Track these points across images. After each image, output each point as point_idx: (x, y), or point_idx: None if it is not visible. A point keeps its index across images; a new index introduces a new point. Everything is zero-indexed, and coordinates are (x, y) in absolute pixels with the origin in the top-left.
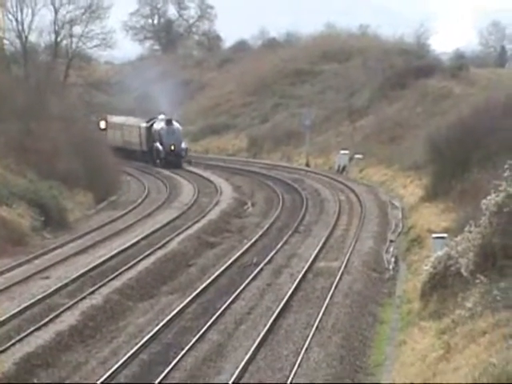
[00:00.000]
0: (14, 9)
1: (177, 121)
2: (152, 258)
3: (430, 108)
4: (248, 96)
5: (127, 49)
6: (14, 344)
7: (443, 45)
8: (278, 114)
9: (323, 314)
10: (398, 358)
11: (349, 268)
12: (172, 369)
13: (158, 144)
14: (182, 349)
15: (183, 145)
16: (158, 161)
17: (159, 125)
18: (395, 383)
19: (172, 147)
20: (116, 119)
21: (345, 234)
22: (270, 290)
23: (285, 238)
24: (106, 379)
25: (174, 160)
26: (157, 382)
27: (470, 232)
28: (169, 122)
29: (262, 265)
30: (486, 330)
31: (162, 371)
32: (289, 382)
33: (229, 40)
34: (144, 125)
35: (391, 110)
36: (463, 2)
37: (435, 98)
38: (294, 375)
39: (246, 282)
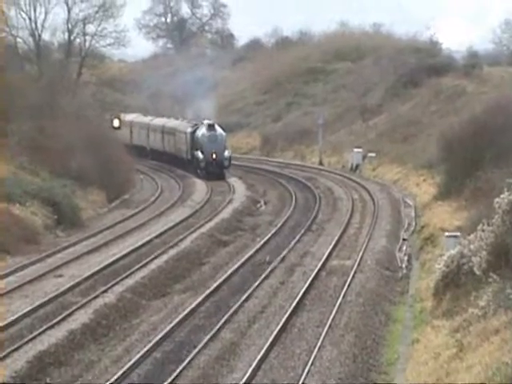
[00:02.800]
0: (28, 7)
1: (220, 126)
2: (165, 257)
3: (443, 106)
4: (261, 94)
5: (140, 47)
6: (26, 342)
7: (455, 42)
8: (291, 112)
9: (336, 312)
10: (411, 357)
11: (362, 266)
12: (185, 367)
13: (198, 152)
14: (195, 347)
15: (226, 153)
16: (198, 171)
17: (201, 131)
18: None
19: (213, 155)
20: (156, 121)
21: (358, 233)
22: (283, 288)
23: (298, 237)
24: (118, 377)
25: (215, 170)
26: (169, 380)
27: (483, 231)
28: (211, 128)
29: (275, 263)
30: (499, 329)
31: (175, 370)
32: (301, 381)
33: (242, 38)
34: (189, 130)
35: (404, 109)
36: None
37: (448, 96)
38: (307, 374)
39: (259, 280)
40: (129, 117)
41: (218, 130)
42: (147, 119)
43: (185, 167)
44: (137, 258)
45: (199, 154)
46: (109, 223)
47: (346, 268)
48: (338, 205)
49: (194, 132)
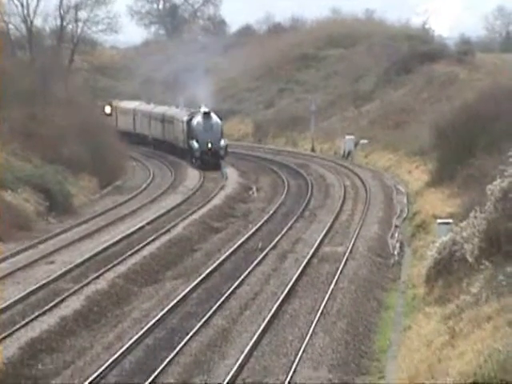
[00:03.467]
0: None
1: (216, 114)
2: (157, 243)
3: (436, 93)
4: (253, 81)
5: (132, 33)
6: (18, 329)
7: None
8: (283, 99)
9: (328, 299)
10: (403, 344)
11: (354, 253)
12: (177, 354)
13: (193, 141)
14: (187, 334)
15: (222, 142)
16: (193, 160)
17: (196, 119)
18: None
19: (209, 145)
20: (158, 109)
21: (350, 219)
22: (275, 275)
23: (290, 223)
24: (110, 364)
25: (210, 160)
26: (162, 366)
27: (475, 217)
28: (206, 116)
29: (267, 250)
30: (491, 316)
31: (167, 356)
32: (293, 367)
33: (234, 25)
34: (185, 118)
35: (396, 95)
36: None
37: (440, 83)
38: (299, 360)
39: (251, 267)
40: (132, 104)
41: (214, 118)
42: (149, 107)
43: (183, 156)
44: (129, 244)
45: (194, 144)
46: (101, 210)
47: (338, 255)
48: (331, 191)
49: (190, 120)
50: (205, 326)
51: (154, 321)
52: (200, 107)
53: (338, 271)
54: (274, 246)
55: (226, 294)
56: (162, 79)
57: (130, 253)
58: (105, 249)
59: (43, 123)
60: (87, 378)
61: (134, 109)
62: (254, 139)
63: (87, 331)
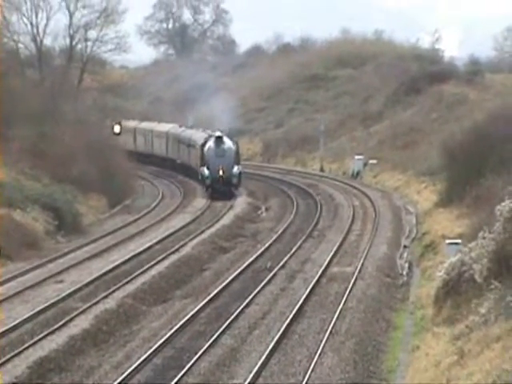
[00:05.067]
0: (29, 13)
1: (230, 137)
2: (166, 263)
3: (445, 114)
4: (263, 101)
5: (142, 53)
6: (27, 348)
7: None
8: (293, 118)
9: (337, 318)
10: (411, 364)
11: (363, 273)
12: (185, 373)
13: (204, 168)
14: (196, 353)
15: (235, 169)
16: (204, 189)
17: (208, 144)
18: None
19: (220, 172)
20: (178, 130)
21: (359, 240)
22: (284, 294)
23: (299, 243)
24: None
25: (221, 189)
26: None
27: (484, 238)
28: (218, 141)
29: (275, 269)
30: (500, 336)
31: (176, 375)
32: None
33: (243, 45)
34: (200, 142)
35: (405, 116)
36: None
37: (450, 103)
38: (308, 380)
39: (260, 286)
40: (149, 125)
41: (227, 142)
42: (179, 130)
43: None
44: (138, 263)
45: (205, 171)
46: (110, 229)
47: (347, 275)
48: (339, 211)
49: (203, 145)
50: (213, 346)
51: (162, 340)
52: (218, 130)
53: (347, 291)
54: (283, 266)
55: (235, 314)
56: (171, 99)
57: (138, 272)
58: (114, 268)
59: (53, 142)
60: None
61: (152, 130)
62: (262, 159)
63: (96, 350)
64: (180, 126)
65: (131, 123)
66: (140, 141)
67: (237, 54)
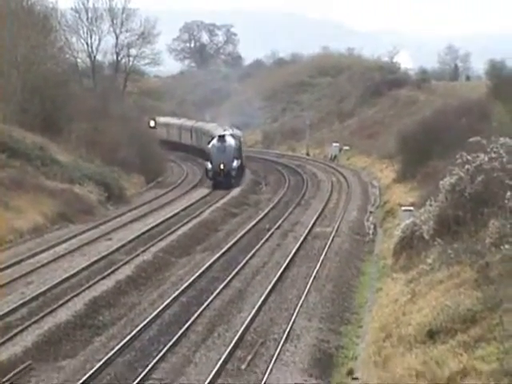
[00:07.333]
0: (85, 35)
1: (233, 135)
2: (189, 225)
3: (400, 111)
4: (263, 101)
5: (171, 65)
6: (84, 290)
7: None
8: (285, 115)
9: (319, 266)
10: (376, 301)
11: (339, 232)
12: (204, 309)
13: (208, 162)
14: (212, 293)
15: (235, 163)
16: (207, 179)
17: (212, 141)
18: None
19: (221, 166)
20: (199, 124)
21: (335, 207)
22: (279, 248)
23: (290, 210)
24: (154, 316)
25: (222, 181)
26: (192, 318)
27: (431, 205)
28: (221, 139)
29: (272, 230)
30: (442, 280)
31: (197, 310)
32: (292, 319)
33: (248, 59)
34: (217, 134)
35: (370, 113)
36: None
37: (404, 103)
38: (297, 314)
39: (261, 243)
40: (179, 121)
41: (228, 140)
42: (208, 126)
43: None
44: (168, 226)
45: (208, 164)
46: (146, 199)
47: (327, 233)
48: (321, 185)
49: (209, 142)
50: (225, 288)
51: (187, 284)
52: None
53: (327, 246)
54: (278, 227)
55: (242, 264)
56: (193, 100)
57: (168, 232)
58: (150, 229)
59: (103, 134)
60: (136, 327)
61: (192, 126)
62: (262, 146)
63: (136, 291)
64: (200, 121)
65: (164, 119)
66: (171, 132)
67: (243, 66)
